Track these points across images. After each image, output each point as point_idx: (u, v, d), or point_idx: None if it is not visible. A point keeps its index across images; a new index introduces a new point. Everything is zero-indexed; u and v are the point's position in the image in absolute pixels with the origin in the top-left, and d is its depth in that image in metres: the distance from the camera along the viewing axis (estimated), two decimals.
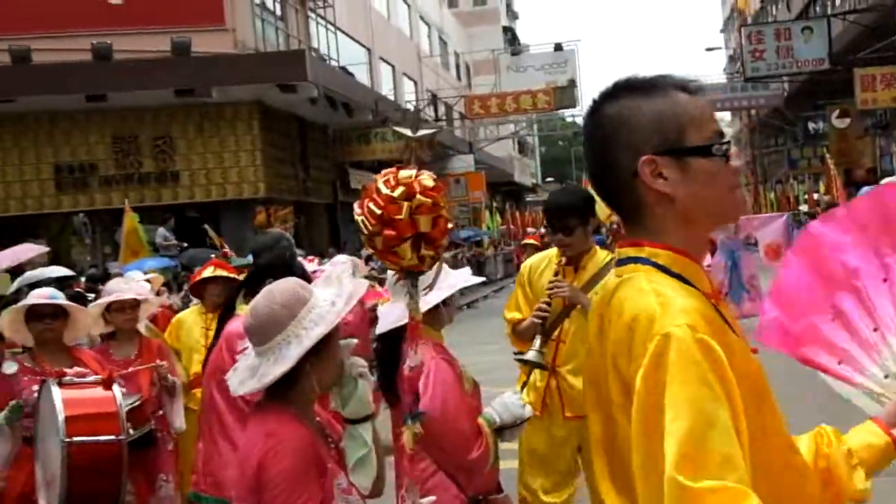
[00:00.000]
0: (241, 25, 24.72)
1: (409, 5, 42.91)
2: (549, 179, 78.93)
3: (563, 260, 5.15)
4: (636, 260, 1.91)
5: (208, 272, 7.12)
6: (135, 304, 6.31)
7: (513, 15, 72.44)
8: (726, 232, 15.68)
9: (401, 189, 2.91)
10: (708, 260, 15.99)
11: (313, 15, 29.90)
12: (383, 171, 3.03)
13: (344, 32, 32.10)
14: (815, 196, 35.54)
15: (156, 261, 16.76)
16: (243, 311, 5.03)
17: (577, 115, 53.49)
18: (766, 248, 16.01)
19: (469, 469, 3.84)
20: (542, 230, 20.99)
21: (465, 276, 4.21)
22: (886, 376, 2.28)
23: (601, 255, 5.14)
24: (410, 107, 36.53)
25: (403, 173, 2.97)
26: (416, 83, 41.65)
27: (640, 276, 1.88)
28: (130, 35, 22.88)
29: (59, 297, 5.65)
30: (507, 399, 3.99)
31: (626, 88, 1.93)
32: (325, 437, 3.26)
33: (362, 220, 2.93)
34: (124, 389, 5.71)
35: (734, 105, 45.77)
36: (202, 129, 23.87)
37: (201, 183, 23.83)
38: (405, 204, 2.90)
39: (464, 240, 32.41)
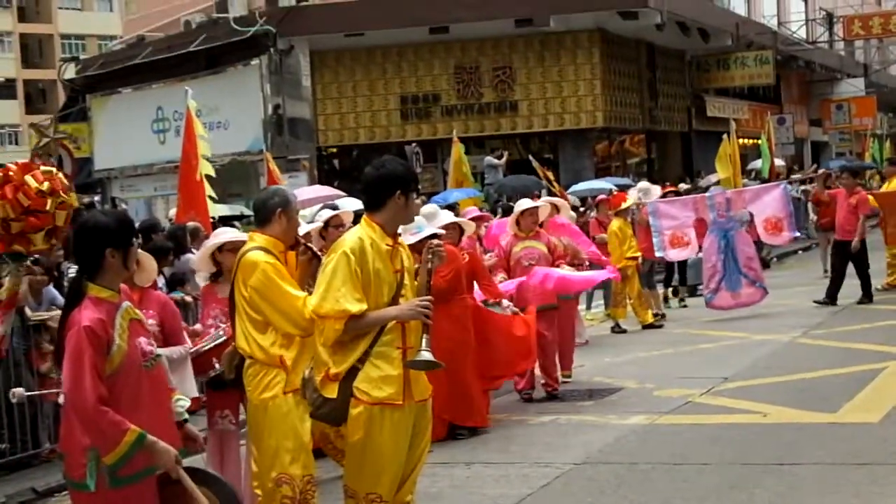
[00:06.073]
0: None
1: None
2: None
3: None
4: None
5: None
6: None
7: None
8: (717, 209, 13.87)
9: (47, 184, 3.35)
10: (694, 245, 13.86)
11: None
12: (24, 164, 3.29)
13: None
14: None
15: (461, 191, 17.39)
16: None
17: None
18: (765, 223, 14.02)
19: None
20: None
21: None
22: None
23: None
24: (788, 29, 34.42)
25: (45, 168, 3.41)
26: (805, 2, 39.09)
27: None
28: None
29: None
30: None
31: None
32: None
33: (2, 206, 3.26)
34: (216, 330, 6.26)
35: None
36: (542, 59, 23.98)
37: (540, 112, 24.00)
38: (50, 199, 3.36)
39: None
